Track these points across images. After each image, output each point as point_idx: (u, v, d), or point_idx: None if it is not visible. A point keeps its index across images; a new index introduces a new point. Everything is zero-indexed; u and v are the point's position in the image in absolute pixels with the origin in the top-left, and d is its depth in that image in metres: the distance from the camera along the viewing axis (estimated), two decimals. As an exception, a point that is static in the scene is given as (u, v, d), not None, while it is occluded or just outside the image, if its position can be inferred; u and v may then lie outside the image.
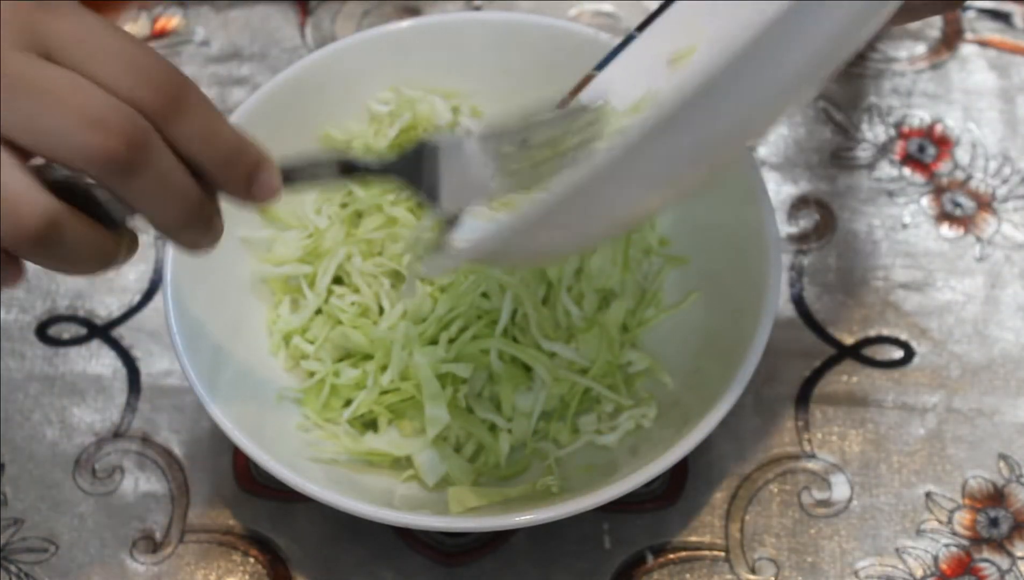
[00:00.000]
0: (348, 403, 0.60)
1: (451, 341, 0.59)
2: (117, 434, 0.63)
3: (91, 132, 0.40)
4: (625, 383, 0.61)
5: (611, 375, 0.60)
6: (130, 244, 0.45)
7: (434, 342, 0.59)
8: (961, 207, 0.68)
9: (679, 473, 0.61)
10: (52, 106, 0.40)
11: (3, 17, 0.41)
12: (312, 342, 0.62)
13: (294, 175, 0.48)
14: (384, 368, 0.60)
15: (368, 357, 0.60)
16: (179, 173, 0.42)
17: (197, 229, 0.45)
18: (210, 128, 0.43)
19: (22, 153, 0.41)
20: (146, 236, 0.64)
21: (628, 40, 0.60)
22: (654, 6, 0.75)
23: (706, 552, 0.59)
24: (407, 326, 0.59)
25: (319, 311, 0.62)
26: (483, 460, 0.59)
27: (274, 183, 0.46)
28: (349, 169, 0.49)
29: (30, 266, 0.56)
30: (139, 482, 0.62)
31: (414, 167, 0.50)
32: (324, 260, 0.62)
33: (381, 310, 0.61)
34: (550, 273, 0.61)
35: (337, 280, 0.63)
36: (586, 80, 0.60)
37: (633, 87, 0.58)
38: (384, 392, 0.60)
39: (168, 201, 0.42)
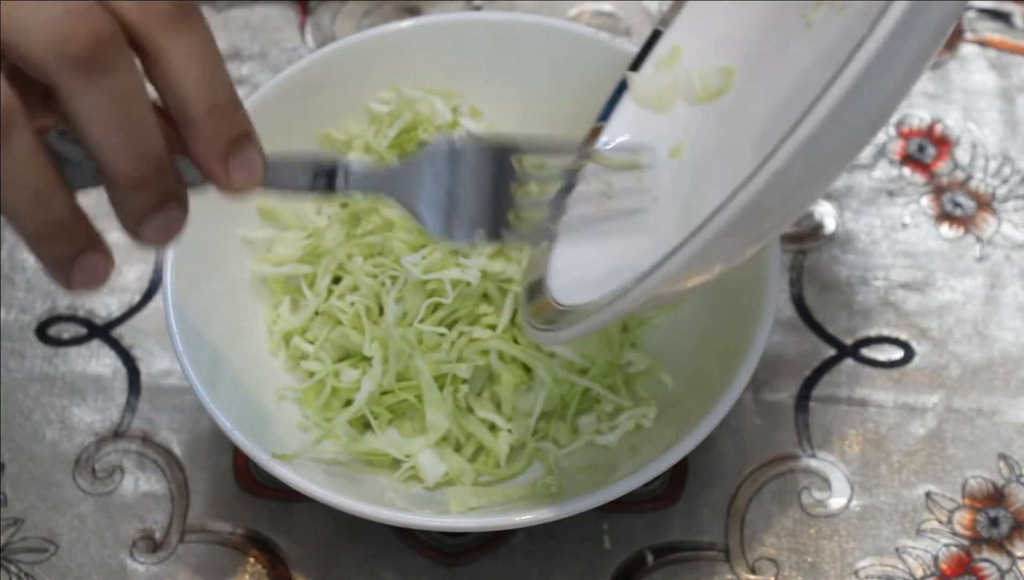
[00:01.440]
0: (348, 403, 0.60)
1: (452, 343, 0.59)
2: (117, 434, 0.63)
3: (58, 17, 0.35)
4: (625, 383, 0.61)
5: (611, 375, 0.60)
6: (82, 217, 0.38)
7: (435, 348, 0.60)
8: (961, 207, 0.68)
9: (679, 473, 0.61)
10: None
11: None
12: (312, 342, 0.61)
13: (274, 171, 0.43)
14: (385, 370, 0.60)
15: (368, 358, 0.60)
16: (144, 104, 0.36)
17: (151, 198, 0.38)
18: (206, 58, 0.37)
19: None
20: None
21: (623, 86, 0.60)
22: (654, 7, 0.76)
23: (706, 552, 0.59)
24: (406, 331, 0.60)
25: (319, 311, 0.62)
26: (483, 460, 0.59)
27: (257, 164, 0.40)
28: (329, 179, 0.44)
29: (31, 265, 0.55)
30: (139, 482, 0.62)
31: (408, 178, 0.47)
32: (324, 260, 0.62)
33: (381, 310, 0.61)
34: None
35: (337, 280, 0.63)
36: (595, 132, 0.59)
37: (660, 134, 0.58)
38: (384, 392, 0.60)
39: (123, 133, 0.36)
